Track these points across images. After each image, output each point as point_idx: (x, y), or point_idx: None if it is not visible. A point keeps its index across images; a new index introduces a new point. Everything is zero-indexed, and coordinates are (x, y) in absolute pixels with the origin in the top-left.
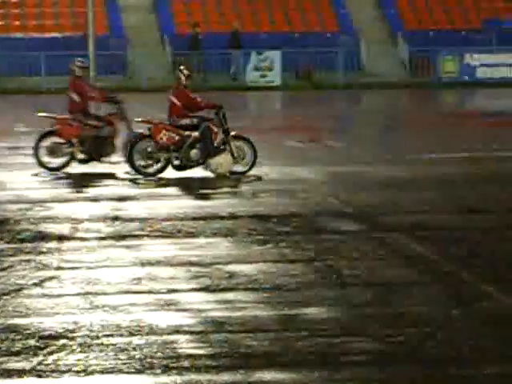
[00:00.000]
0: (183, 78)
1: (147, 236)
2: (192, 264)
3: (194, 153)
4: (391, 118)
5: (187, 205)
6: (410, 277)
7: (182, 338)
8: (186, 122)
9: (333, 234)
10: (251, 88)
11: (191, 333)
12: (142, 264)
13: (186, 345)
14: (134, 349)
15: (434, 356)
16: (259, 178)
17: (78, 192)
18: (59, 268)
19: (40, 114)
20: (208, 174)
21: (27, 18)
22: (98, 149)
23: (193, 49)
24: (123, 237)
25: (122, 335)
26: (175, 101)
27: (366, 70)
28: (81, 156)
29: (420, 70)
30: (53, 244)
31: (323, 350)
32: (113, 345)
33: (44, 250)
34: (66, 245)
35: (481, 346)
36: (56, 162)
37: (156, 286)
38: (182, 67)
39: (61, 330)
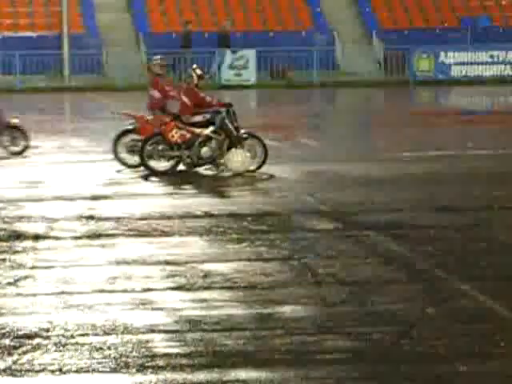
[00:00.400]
0: (195, 77)
1: (122, 235)
2: (167, 263)
3: (204, 151)
4: (366, 116)
5: (163, 203)
6: (386, 275)
7: (157, 336)
8: (198, 119)
9: (308, 232)
10: (226, 86)
11: (166, 332)
12: (117, 263)
13: (161, 344)
14: (109, 348)
15: (409, 354)
16: (235, 177)
17: (53, 191)
18: (34, 267)
19: (122, 112)
20: (183, 171)
21: (1, 17)
22: None
23: (184, 46)
24: (98, 236)
25: (97, 334)
26: (186, 100)
27: (341, 68)
28: None
29: (395, 68)
30: (28, 243)
31: (299, 348)
32: (88, 344)
33: (19, 249)
34: (41, 244)
35: (455, 344)
36: (136, 159)
37: (131, 285)
38: (194, 66)
39: (36, 330)
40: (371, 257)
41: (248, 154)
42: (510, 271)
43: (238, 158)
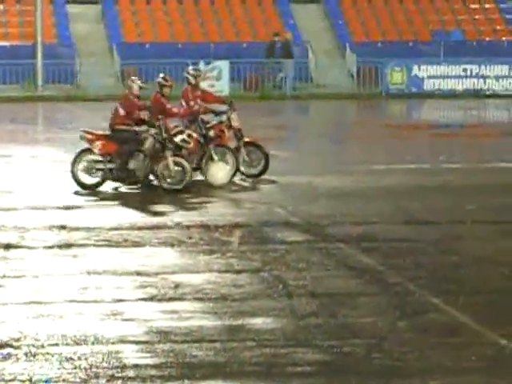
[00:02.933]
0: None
1: (94, 245)
2: (138, 274)
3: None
4: (339, 128)
5: (134, 214)
6: (356, 288)
7: (127, 347)
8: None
9: (279, 244)
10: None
11: (137, 343)
12: (89, 273)
13: (131, 354)
14: (80, 358)
15: (380, 367)
16: (206, 188)
17: (25, 200)
18: (5, 276)
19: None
20: (154, 182)
21: None
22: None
23: (269, 56)
24: (70, 246)
25: (67, 344)
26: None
27: (315, 80)
28: None
29: (368, 81)
30: None
31: (269, 360)
32: (58, 354)
33: None
34: (13, 253)
35: (426, 357)
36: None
37: (102, 295)
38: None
39: (6, 339)
40: (342, 269)
41: (226, 166)
42: (481, 285)
43: (214, 171)
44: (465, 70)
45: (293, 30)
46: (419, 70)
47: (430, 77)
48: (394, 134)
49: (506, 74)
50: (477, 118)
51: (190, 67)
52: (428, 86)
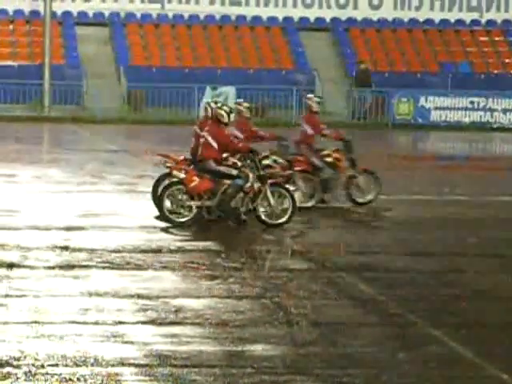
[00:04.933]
0: (245, 110)
1: (96, 267)
2: (139, 297)
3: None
4: None
5: (137, 237)
6: (357, 317)
7: (126, 370)
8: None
9: (281, 271)
10: None
11: (136, 365)
12: (90, 295)
13: (130, 377)
14: (79, 379)
15: None
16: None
17: (28, 220)
18: (7, 296)
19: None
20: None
21: None
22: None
23: (363, 83)
24: (72, 267)
25: (67, 365)
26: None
27: (321, 108)
28: None
29: (374, 110)
30: (1, 271)
31: None
32: (57, 375)
33: None
34: (15, 273)
35: None
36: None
37: (103, 317)
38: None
39: (6, 358)
40: (343, 298)
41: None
42: (481, 318)
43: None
44: (472, 102)
45: (300, 57)
46: (426, 101)
47: (436, 108)
48: (400, 164)
49: None
50: (481, 150)
51: (312, 95)
52: (435, 117)
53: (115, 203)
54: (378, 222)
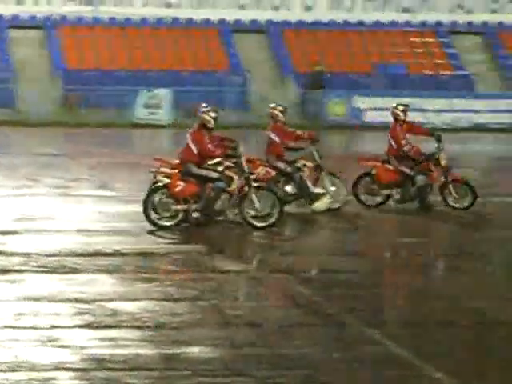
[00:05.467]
0: (280, 114)
1: (31, 271)
2: (76, 300)
3: (290, 187)
4: None
5: (73, 241)
6: (294, 318)
7: (62, 374)
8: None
9: (217, 273)
10: (138, 125)
11: (72, 370)
12: (25, 299)
13: (66, 382)
14: None
15: None
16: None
17: None
18: None
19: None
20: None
21: None
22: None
23: (314, 86)
24: (6, 271)
25: (1, 370)
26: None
27: (252, 110)
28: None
29: (307, 111)
30: None
31: None
32: None
33: None
34: None
35: None
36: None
37: (38, 321)
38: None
39: None
40: (280, 299)
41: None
42: (417, 317)
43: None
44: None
45: (234, 59)
46: (360, 101)
47: (370, 109)
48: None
49: (447, 108)
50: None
51: (397, 104)
52: (368, 117)
53: (51, 207)
54: (311, 223)
